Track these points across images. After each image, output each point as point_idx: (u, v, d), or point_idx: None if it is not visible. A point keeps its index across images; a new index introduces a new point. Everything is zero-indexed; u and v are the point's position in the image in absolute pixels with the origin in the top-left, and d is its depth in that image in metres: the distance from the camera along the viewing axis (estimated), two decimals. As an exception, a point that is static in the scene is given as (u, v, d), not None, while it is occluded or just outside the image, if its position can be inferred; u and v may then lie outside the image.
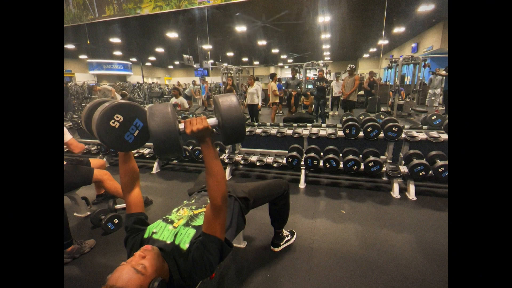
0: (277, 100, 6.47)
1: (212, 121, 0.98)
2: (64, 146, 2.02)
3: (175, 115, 0.92)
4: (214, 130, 1.01)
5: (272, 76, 6.61)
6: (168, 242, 1.03)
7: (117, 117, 0.92)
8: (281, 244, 1.81)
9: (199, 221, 1.12)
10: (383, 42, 12.71)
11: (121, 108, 0.93)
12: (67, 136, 2.00)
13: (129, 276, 0.81)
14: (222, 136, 1.03)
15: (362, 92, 8.49)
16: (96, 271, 1.68)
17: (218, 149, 3.16)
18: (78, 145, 2.07)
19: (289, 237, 1.87)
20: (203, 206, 1.25)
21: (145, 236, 1.08)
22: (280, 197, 1.63)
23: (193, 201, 1.35)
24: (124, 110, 0.93)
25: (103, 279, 0.82)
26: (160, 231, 1.08)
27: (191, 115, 3.82)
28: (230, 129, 0.96)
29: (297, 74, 7.47)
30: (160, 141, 0.86)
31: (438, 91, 7.21)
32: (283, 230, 1.84)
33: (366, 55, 17.48)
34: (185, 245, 1.01)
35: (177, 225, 1.10)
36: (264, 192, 1.57)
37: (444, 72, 7.05)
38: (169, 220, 1.14)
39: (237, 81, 8.66)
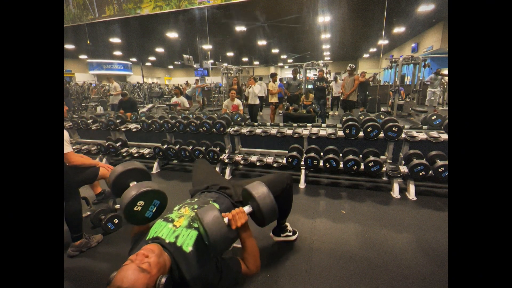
0: (276, 100, 6.47)
1: (248, 210, 1.15)
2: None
3: (223, 219, 1.04)
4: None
5: (272, 76, 6.62)
6: (168, 241, 1.02)
7: (139, 203, 1.15)
8: (282, 235, 1.80)
9: None
10: (383, 42, 12.73)
11: (143, 196, 1.15)
12: (67, 148, 1.97)
13: (135, 275, 0.80)
14: (257, 219, 1.19)
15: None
16: (98, 270, 1.69)
17: (218, 149, 3.16)
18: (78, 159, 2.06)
19: (291, 234, 1.85)
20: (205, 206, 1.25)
21: (147, 238, 1.07)
22: (282, 190, 1.61)
23: (195, 200, 1.34)
24: (145, 196, 1.16)
25: (106, 276, 0.82)
26: (160, 229, 1.08)
27: (191, 115, 3.82)
28: (266, 214, 1.13)
29: (298, 75, 7.45)
30: (218, 248, 1.00)
31: (438, 90, 7.22)
32: (287, 224, 1.83)
33: (366, 55, 17.49)
34: (188, 248, 1.00)
35: (178, 225, 1.09)
36: None
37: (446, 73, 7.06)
38: (170, 219, 1.13)
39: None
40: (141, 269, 0.82)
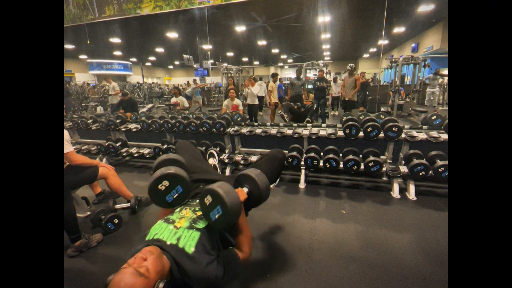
0: (276, 100, 6.47)
1: (246, 190, 1.28)
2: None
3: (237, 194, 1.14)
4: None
5: (273, 76, 6.63)
6: (169, 243, 1.01)
7: (164, 182, 1.19)
8: None
9: (203, 224, 1.11)
10: (383, 42, 12.71)
11: (169, 177, 1.19)
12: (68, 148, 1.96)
13: (132, 279, 0.79)
14: (254, 198, 1.29)
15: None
16: (97, 270, 1.69)
17: (218, 148, 3.16)
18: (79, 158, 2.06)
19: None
20: None
21: (147, 238, 1.06)
22: (278, 173, 1.64)
23: (196, 202, 1.33)
24: (171, 178, 1.20)
25: (105, 277, 0.82)
26: (161, 231, 1.07)
27: (191, 115, 3.82)
28: (264, 192, 1.27)
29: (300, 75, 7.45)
30: (234, 212, 1.07)
31: (437, 90, 7.23)
32: None
33: (366, 55, 17.48)
34: (190, 249, 0.99)
35: (179, 226, 1.08)
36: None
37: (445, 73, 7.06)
38: (170, 220, 1.12)
39: (237, 80, 8.72)
40: (138, 273, 0.81)
